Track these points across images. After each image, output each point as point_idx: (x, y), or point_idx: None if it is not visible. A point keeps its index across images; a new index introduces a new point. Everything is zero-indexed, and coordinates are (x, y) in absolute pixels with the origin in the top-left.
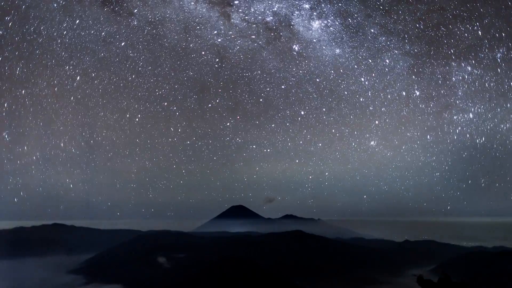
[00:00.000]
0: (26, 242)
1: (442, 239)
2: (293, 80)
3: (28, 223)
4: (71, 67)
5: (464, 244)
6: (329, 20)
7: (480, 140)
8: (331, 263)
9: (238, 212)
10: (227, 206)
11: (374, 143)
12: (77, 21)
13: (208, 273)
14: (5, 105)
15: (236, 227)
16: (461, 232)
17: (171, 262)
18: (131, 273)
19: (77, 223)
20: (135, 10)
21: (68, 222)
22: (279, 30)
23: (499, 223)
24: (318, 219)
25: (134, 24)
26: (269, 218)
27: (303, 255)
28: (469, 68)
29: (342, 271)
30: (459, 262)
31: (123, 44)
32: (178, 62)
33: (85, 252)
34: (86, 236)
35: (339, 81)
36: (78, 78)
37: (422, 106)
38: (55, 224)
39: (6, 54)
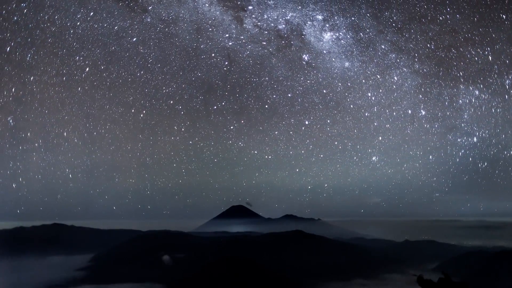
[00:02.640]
0: (26, 242)
1: (442, 239)
2: (300, 89)
3: (28, 223)
4: (81, 58)
5: (464, 244)
6: (341, 33)
7: (482, 165)
8: (331, 263)
9: (238, 212)
10: (227, 206)
11: (376, 158)
12: (91, 13)
13: (208, 273)
14: (13, 90)
15: (236, 227)
16: (461, 232)
17: (171, 262)
18: (131, 273)
19: (77, 223)
20: (150, 7)
21: (68, 222)
22: (290, 39)
23: (499, 223)
24: (318, 219)
25: (147, 21)
26: (269, 218)
27: (303, 255)
28: (477, 92)
29: (342, 271)
30: (459, 262)
31: (134, 39)
32: (188, 62)
33: (85, 252)
34: (86, 236)
35: (346, 94)
36: (87, 69)
37: (426, 126)
38: (55, 224)
39: (19, 40)
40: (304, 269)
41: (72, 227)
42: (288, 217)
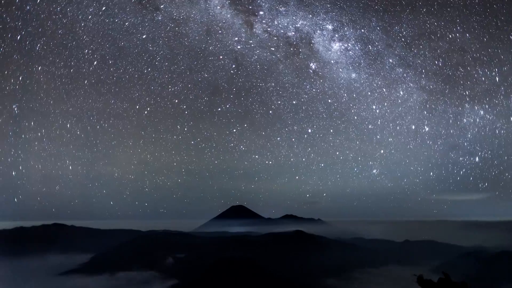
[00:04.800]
0: (26, 242)
1: (442, 239)
2: (305, 97)
3: (28, 223)
4: (90, 51)
5: (464, 244)
6: (349, 44)
7: (483, 185)
8: (331, 263)
9: (238, 212)
10: (223, 208)
11: (376, 171)
12: (104, 8)
13: (208, 273)
14: (20, 78)
15: (236, 227)
16: (461, 232)
17: (171, 262)
18: (131, 272)
19: (77, 223)
20: (162, 6)
21: (68, 222)
22: (299, 46)
23: (499, 223)
24: (318, 219)
25: (158, 19)
26: (269, 218)
27: (303, 255)
28: (482, 112)
29: (342, 271)
30: (459, 262)
31: (144, 37)
32: (195, 63)
33: (85, 252)
34: (86, 236)
35: (351, 105)
36: (95, 63)
37: (429, 142)
38: (55, 224)
39: (30, 29)
40: (304, 269)
41: (72, 227)
42: (288, 217)
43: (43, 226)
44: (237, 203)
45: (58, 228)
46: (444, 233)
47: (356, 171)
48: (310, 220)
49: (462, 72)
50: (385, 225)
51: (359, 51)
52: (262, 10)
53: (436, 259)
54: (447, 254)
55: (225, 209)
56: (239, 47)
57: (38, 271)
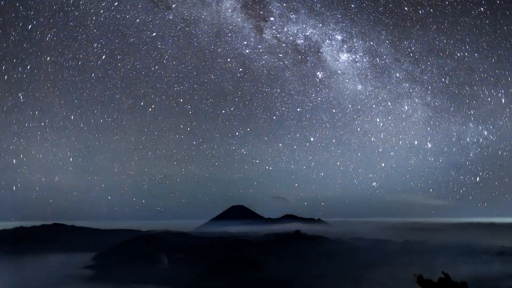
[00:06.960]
0: (26, 242)
1: (442, 240)
2: (309, 105)
3: (28, 223)
4: (99, 45)
5: (464, 244)
6: (357, 56)
7: (482, 205)
8: (331, 263)
9: (238, 212)
10: (220, 210)
11: (376, 184)
12: (116, 3)
13: (208, 273)
14: (28, 67)
15: (236, 227)
16: (461, 232)
17: (171, 262)
18: (132, 273)
19: (77, 223)
20: (173, 5)
21: (68, 222)
22: (307, 55)
23: (499, 223)
24: (318, 219)
25: (169, 18)
26: (269, 218)
27: (303, 255)
28: (486, 133)
29: (342, 271)
30: (459, 262)
31: (154, 34)
32: (203, 64)
33: (85, 252)
34: (86, 236)
35: (355, 116)
36: (103, 57)
37: (431, 159)
38: (55, 224)
39: (41, 19)
40: (304, 269)
41: (72, 227)
42: (288, 217)
43: (43, 226)
44: (234, 205)
45: (58, 228)
46: (444, 233)
47: (356, 182)
48: (310, 220)
49: (468, 91)
50: (385, 225)
51: (367, 63)
52: (273, 16)
53: (436, 259)
54: (447, 254)
55: (225, 209)
56: (247, 51)
57: (38, 271)
